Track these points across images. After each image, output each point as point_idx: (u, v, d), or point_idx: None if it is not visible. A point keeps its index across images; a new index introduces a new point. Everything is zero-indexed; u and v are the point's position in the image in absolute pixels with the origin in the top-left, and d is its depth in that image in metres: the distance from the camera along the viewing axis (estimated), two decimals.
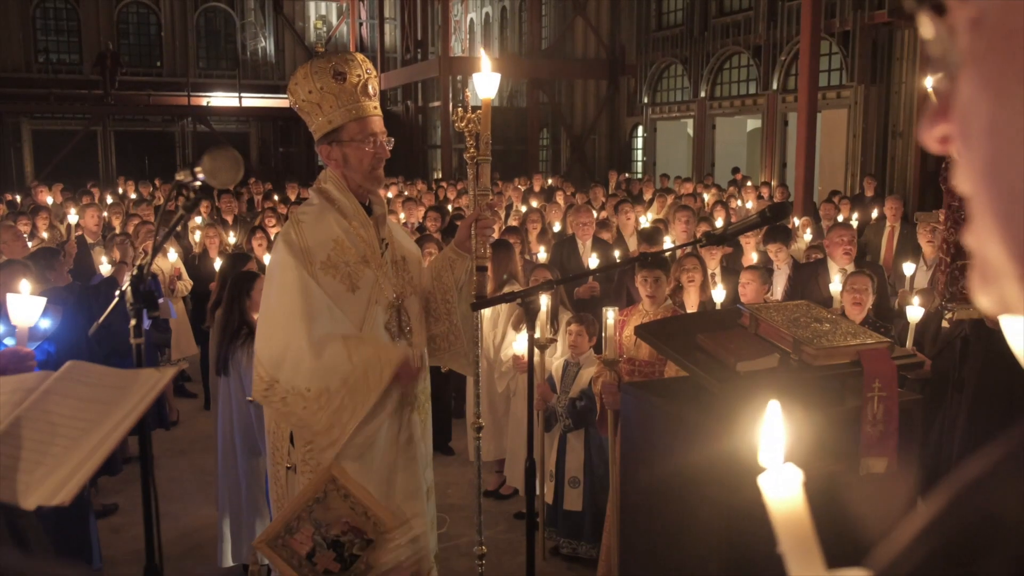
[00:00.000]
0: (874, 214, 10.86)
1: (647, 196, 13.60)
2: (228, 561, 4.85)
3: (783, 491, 0.63)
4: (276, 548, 2.96)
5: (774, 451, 0.65)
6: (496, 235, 7.77)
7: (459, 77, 24.88)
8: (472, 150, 3.23)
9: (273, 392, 3.05)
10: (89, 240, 8.67)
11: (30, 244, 7.76)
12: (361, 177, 3.20)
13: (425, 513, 3.40)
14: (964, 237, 0.56)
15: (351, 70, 3.14)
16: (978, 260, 0.55)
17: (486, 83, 3.14)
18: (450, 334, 3.41)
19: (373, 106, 3.22)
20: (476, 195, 3.26)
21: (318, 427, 3.03)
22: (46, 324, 4.47)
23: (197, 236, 9.47)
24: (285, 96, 3.56)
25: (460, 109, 3.25)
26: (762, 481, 0.63)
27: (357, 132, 3.15)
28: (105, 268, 7.26)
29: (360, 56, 3.25)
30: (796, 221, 10.27)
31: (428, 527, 3.42)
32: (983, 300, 0.55)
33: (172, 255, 7.96)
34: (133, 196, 15.83)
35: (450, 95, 23.05)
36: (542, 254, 7.84)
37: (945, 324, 4.48)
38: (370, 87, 3.20)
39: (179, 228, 9.48)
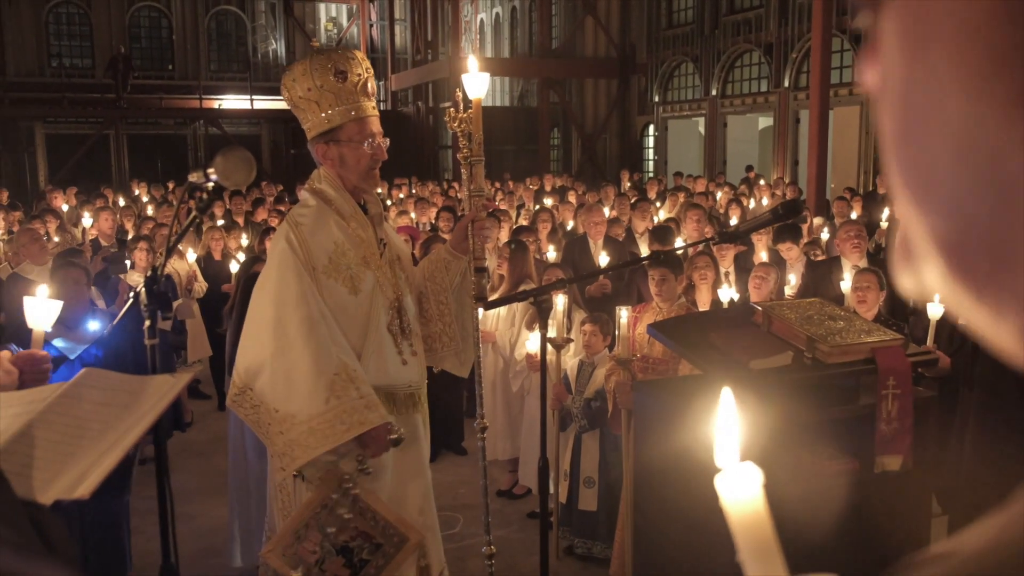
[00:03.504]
0: (885, 212, 10.79)
1: (651, 194, 13.55)
2: (239, 561, 4.86)
3: (740, 493, 0.56)
4: (285, 557, 2.94)
5: (730, 448, 0.59)
6: (506, 235, 7.78)
7: None
8: (465, 150, 3.19)
9: (244, 398, 2.99)
10: (104, 244, 8.71)
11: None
12: (357, 178, 3.15)
13: (435, 515, 3.40)
14: (894, 206, 0.47)
15: (351, 69, 3.08)
16: (901, 231, 0.46)
17: (475, 83, 3.12)
18: (443, 335, 3.38)
19: (372, 106, 3.16)
20: (471, 196, 3.22)
21: (274, 448, 2.98)
22: (95, 326, 4.49)
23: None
24: None
25: (452, 110, 3.22)
26: (718, 483, 0.57)
27: (356, 132, 3.10)
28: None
29: (360, 54, 3.20)
30: (814, 221, 10.24)
31: (437, 528, 3.42)
32: (903, 279, 0.46)
33: (191, 255, 7.99)
34: (146, 199, 15.91)
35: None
36: (551, 253, 7.83)
37: (962, 320, 4.45)
38: (369, 86, 3.15)
39: (195, 229, 9.53)
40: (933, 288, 0.45)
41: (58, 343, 4.19)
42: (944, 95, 0.40)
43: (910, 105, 0.42)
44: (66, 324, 4.26)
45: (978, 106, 0.39)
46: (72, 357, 4.17)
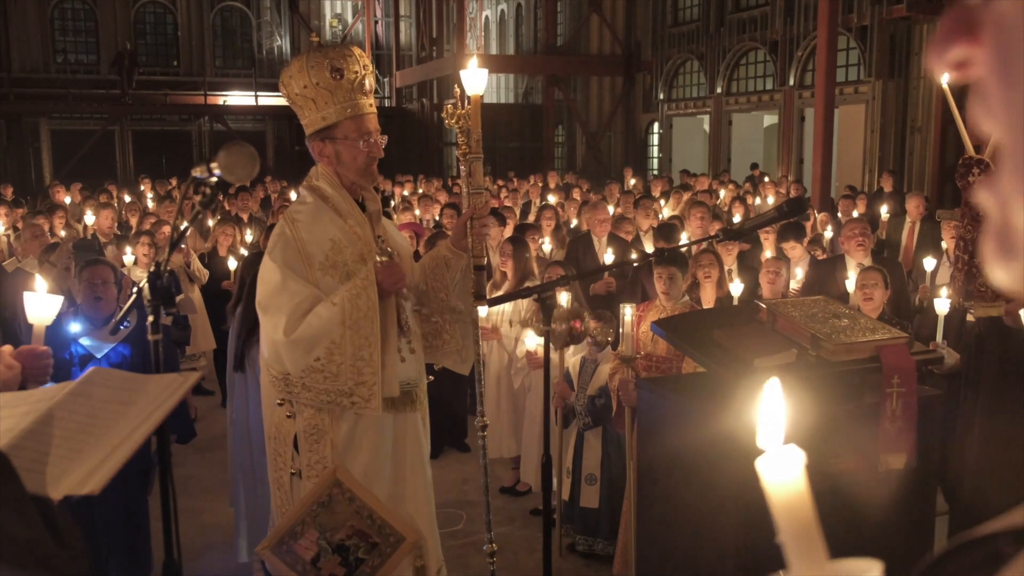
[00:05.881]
0: (885, 209, 10.71)
1: (655, 193, 13.51)
2: (244, 556, 4.86)
3: (782, 474, 0.57)
4: (280, 554, 2.94)
5: (773, 431, 0.59)
6: (510, 233, 7.77)
7: None
8: (464, 147, 3.18)
9: (291, 384, 3.02)
10: (103, 240, 8.71)
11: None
12: (354, 175, 3.15)
13: (433, 513, 3.39)
14: (979, 195, 0.44)
15: (348, 66, 3.07)
16: (996, 225, 0.44)
17: (474, 80, 3.10)
18: (443, 332, 3.38)
19: (369, 103, 3.15)
20: (470, 193, 3.22)
21: (349, 383, 2.97)
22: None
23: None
24: None
25: (450, 106, 3.20)
26: (760, 464, 0.57)
27: (352, 130, 3.10)
28: (128, 259, 7.32)
29: (358, 50, 3.19)
30: (818, 216, 10.22)
31: (436, 526, 3.41)
32: (999, 273, 0.44)
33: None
34: (150, 195, 15.91)
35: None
36: (546, 245, 7.87)
37: (970, 318, 4.44)
38: (367, 83, 3.14)
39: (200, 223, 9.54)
40: None
41: (85, 341, 4.14)
42: None
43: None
44: (93, 322, 4.24)
45: None
46: (99, 355, 4.13)
